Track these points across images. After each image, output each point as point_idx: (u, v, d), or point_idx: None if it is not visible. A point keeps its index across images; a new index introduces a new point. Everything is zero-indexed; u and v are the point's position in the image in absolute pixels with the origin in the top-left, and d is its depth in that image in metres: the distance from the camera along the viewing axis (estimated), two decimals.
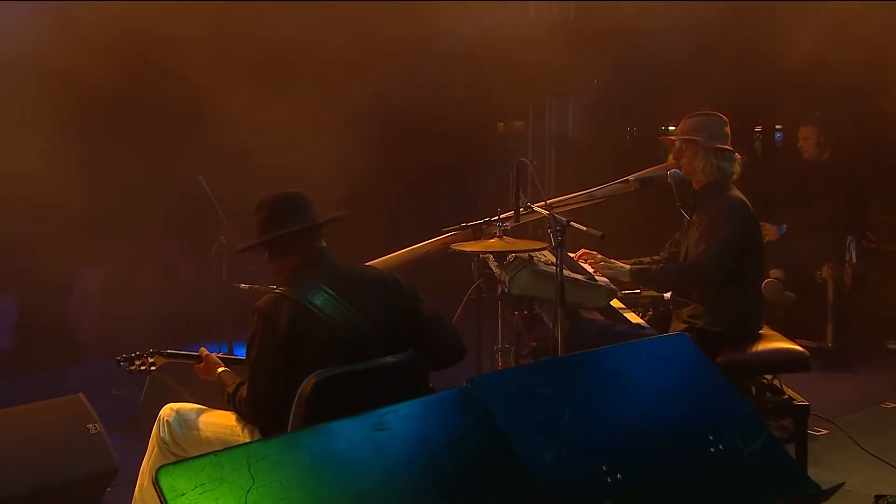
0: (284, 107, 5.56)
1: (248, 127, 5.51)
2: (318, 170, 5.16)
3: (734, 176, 3.95)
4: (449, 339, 3.07)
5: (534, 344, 3.84)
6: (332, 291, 2.89)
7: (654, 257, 4.24)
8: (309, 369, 2.76)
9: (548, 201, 3.72)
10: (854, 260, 5.81)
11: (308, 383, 2.72)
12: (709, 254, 3.76)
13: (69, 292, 6.02)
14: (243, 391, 2.95)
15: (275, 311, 2.84)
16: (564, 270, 3.52)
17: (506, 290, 3.73)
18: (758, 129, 8.04)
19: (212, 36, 5.34)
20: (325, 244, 3.03)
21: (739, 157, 3.97)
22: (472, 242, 3.92)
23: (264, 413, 2.87)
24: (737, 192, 3.90)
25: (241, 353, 3.14)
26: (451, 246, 3.84)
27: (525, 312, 4.06)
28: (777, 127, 8.15)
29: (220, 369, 3.18)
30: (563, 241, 3.40)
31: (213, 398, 3.19)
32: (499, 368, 3.86)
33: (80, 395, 3.68)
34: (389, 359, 2.87)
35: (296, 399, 2.73)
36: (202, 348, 3.28)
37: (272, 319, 2.83)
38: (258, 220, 3.01)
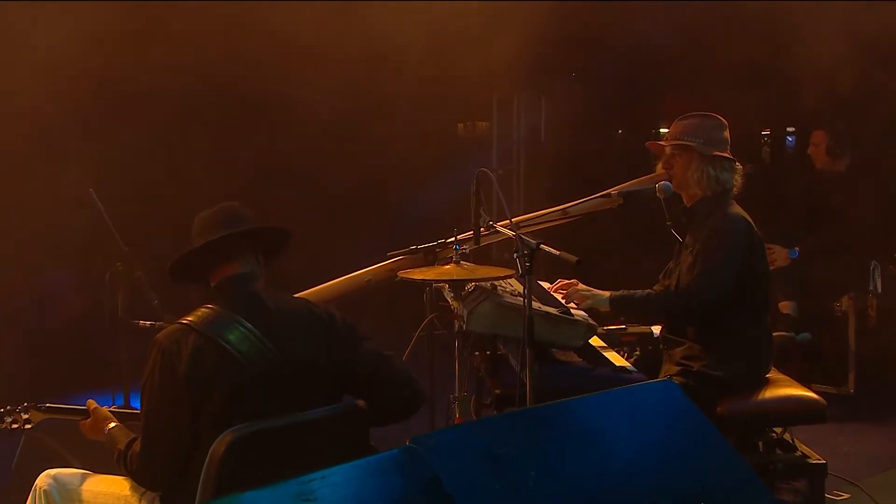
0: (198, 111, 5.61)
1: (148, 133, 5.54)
2: (236, 185, 5.18)
3: (735, 189, 4.02)
4: (397, 387, 3.07)
5: (497, 392, 3.84)
6: (250, 325, 2.88)
7: (646, 290, 4.29)
8: (219, 422, 2.74)
9: (514, 220, 3.75)
10: (879, 289, 5.93)
11: (222, 442, 2.70)
12: (703, 279, 3.83)
13: None
14: (137, 447, 2.91)
15: (176, 346, 2.82)
16: (534, 303, 3.54)
17: (464, 327, 3.74)
18: (765, 132, 8.18)
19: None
20: (256, 269, 3.04)
21: (741, 166, 4.05)
22: (423, 269, 3.93)
23: (162, 476, 2.85)
24: (738, 209, 3.98)
25: (138, 405, 3.11)
26: (399, 273, 3.83)
27: (487, 353, 4.07)
28: (789, 130, 8.30)
29: (110, 425, 3.14)
30: (533, 268, 3.43)
31: (104, 462, 3.15)
32: (455, 422, 3.86)
33: None
34: (321, 411, 2.86)
35: (206, 461, 2.70)
36: (90, 400, 3.25)
37: (172, 357, 2.81)
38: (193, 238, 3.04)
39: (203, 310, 2.92)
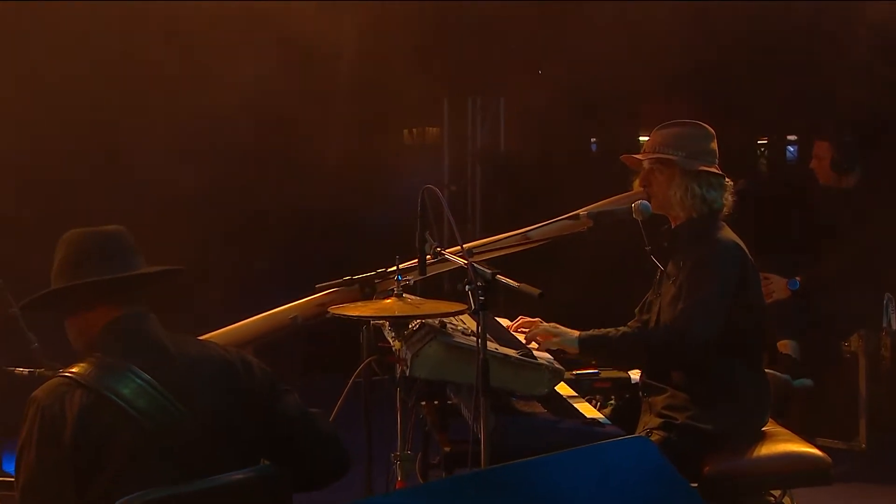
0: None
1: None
2: (127, 205, 5.16)
3: (725, 209, 4.07)
4: (323, 447, 3.08)
5: (447, 449, 3.83)
6: (147, 376, 2.86)
7: (621, 329, 4.33)
8: (112, 494, 2.71)
9: (466, 246, 3.76)
10: (894, 326, 6.00)
11: None
12: (687, 316, 3.85)
13: None
14: None
15: (59, 406, 2.79)
16: (490, 343, 3.54)
17: (407, 372, 3.74)
18: (762, 142, 8.29)
19: None
20: (143, 309, 3.02)
21: (732, 183, 4.11)
22: (359, 304, 3.93)
23: None
24: (728, 233, 4.02)
25: (13, 469, 3.07)
26: (330, 309, 3.83)
27: (435, 404, 4.05)
28: (790, 139, 8.42)
29: None
30: (488, 303, 3.44)
31: None
32: (397, 486, 3.85)
33: None
34: (234, 476, 2.85)
35: None
36: None
37: (55, 420, 2.77)
38: (55, 264, 3.01)
39: (90, 359, 2.90)
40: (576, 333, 4.06)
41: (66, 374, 2.86)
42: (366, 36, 7.25)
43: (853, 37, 6.32)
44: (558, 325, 4.14)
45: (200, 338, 3.37)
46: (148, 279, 3.06)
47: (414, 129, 9.21)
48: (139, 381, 2.85)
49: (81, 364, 2.88)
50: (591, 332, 4.09)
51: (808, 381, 5.75)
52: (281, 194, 7.37)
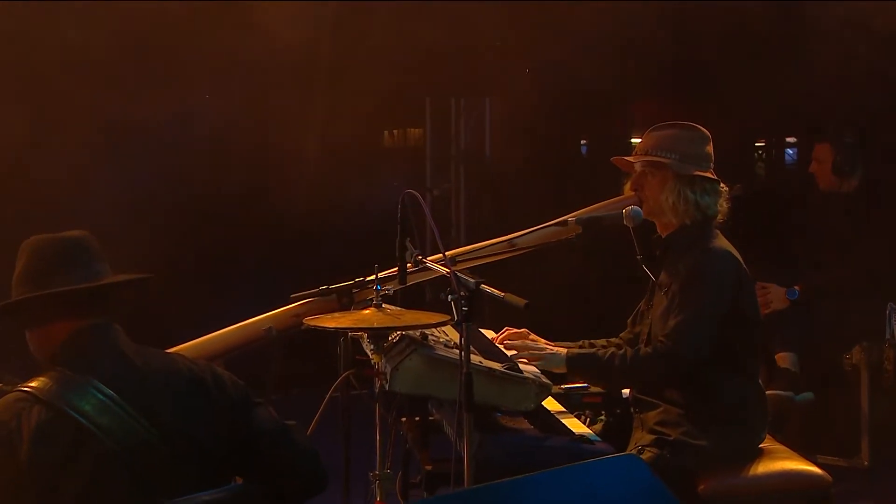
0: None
1: None
2: (99, 205, 5.15)
3: (719, 216, 4.08)
4: (299, 460, 3.08)
5: (428, 468, 3.84)
6: (110, 391, 2.84)
7: (612, 340, 4.33)
8: None
9: (449, 253, 3.76)
10: None
11: None
12: (680, 331, 3.86)
13: None
14: None
15: (16, 422, 2.77)
16: (474, 356, 3.54)
17: (387, 387, 3.74)
18: (760, 144, 8.31)
19: None
20: (108, 320, 3.01)
21: (727, 188, 4.12)
22: (336, 315, 3.92)
23: None
24: (723, 241, 4.03)
25: None
26: (305, 320, 3.82)
27: (416, 420, 4.07)
28: (789, 140, 8.44)
29: None
30: (472, 313, 3.44)
31: None
32: None
33: None
34: (204, 496, 2.84)
35: None
36: None
37: (11, 436, 2.76)
38: (16, 273, 2.99)
39: (51, 373, 2.88)
40: (563, 351, 4.06)
41: (25, 388, 2.84)
42: (344, 32, 7.25)
43: (853, 33, 6.34)
44: (541, 340, 4.15)
45: (168, 350, 3.35)
46: (113, 289, 3.05)
47: (395, 131, 9.20)
48: (102, 396, 2.83)
49: (41, 378, 2.87)
50: (579, 350, 4.10)
51: (810, 395, 5.75)
52: (254, 199, 7.34)
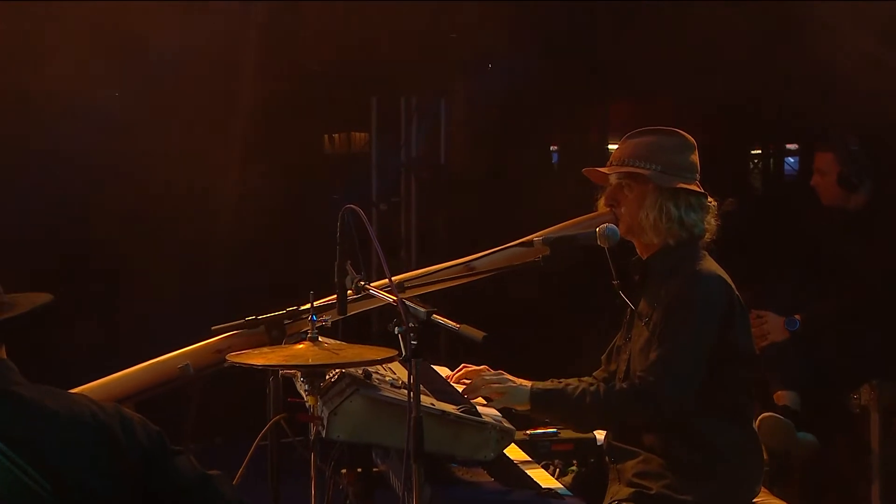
0: None
1: None
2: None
3: (708, 235, 4.09)
4: None
5: None
6: (0, 444, 2.81)
7: (585, 379, 4.32)
8: None
9: (397, 278, 3.75)
10: None
11: None
12: (662, 366, 3.86)
13: None
14: None
15: None
16: (424, 398, 3.53)
17: (324, 433, 3.73)
18: (756, 152, 8.37)
19: None
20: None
21: (716, 203, 4.13)
22: (264, 350, 3.92)
23: None
24: (711, 264, 4.04)
25: None
26: (228, 357, 3.81)
27: (358, 471, 4.06)
28: (789, 147, 8.51)
29: None
30: (423, 348, 3.43)
31: None
32: None
33: None
34: None
35: None
36: None
37: None
38: None
39: None
40: (528, 385, 4.04)
41: None
42: (277, 24, 7.25)
43: (861, 28, 6.40)
44: (507, 377, 4.13)
45: (70, 391, 3.33)
46: (7, 323, 3.01)
47: (336, 136, 9.18)
48: None
49: None
50: (546, 384, 4.08)
51: (810, 437, 5.76)
52: (172, 217, 7.30)
